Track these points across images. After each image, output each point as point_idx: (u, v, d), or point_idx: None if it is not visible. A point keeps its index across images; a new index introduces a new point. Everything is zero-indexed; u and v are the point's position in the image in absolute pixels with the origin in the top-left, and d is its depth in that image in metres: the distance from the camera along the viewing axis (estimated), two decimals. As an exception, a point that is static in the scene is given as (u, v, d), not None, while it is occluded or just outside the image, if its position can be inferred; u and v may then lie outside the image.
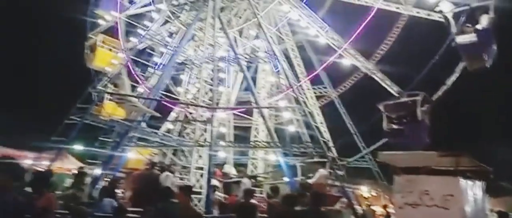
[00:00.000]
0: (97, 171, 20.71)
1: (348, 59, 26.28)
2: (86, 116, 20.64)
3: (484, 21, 19.22)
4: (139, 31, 30.42)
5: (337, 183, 19.10)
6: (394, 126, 20.74)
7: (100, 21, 32.00)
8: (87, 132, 22.73)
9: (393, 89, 24.22)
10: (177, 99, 27.94)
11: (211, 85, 25.10)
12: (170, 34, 29.63)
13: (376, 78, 25.34)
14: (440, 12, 21.67)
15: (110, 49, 31.09)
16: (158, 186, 16.73)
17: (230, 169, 22.57)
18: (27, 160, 23.97)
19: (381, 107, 21.11)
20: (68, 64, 34.14)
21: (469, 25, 20.03)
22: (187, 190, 12.50)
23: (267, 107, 25.45)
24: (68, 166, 23.06)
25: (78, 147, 23.86)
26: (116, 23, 31.34)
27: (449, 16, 20.40)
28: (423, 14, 23.65)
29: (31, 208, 9.50)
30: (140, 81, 27.38)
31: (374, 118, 21.94)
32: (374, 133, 22.62)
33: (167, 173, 17.76)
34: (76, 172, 17.97)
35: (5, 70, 40.17)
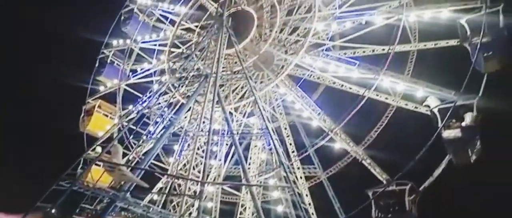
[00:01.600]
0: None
1: (339, 143, 26.86)
2: (74, 183, 20.45)
3: (468, 119, 20.18)
4: (138, 99, 31.35)
5: None
6: (382, 214, 20.74)
7: (101, 88, 33.03)
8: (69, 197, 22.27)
9: (382, 176, 24.44)
10: (167, 170, 27.96)
11: (203, 157, 25.30)
12: (168, 105, 30.44)
13: (365, 164, 25.69)
14: (427, 106, 22.74)
15: (107, 115, 31.73)
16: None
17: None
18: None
19: (370, 194, 21.29)
20: (62, 127, 34.44)
21: (455, 121, 20.97)
22: None
23: (257, 185, 25.40)
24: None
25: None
26: (116, 90, 32.40)
27: (435, 111, 21.42)
28: (411, 106, 24.74)
29: None
30: (132, 149, 27.48)
31: (363, 204, 21.96)
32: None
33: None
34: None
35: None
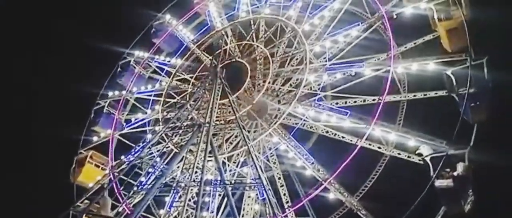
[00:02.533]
0: None
1: (333, 193, 26.57)
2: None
3: (460, 169, 20.25)
4: (131, 150, 31.22)
5: None
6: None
7: (94, 138, 32.96)
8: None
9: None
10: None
11: (194, 209, 24.74)
12: (161, 155, 30.23)
13: (360, 215, 25.29)
14: (420, 155, 22.85)
15: (98, 166, 31.39)
16: None
17: None
18: None
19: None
20: (54, 179, 33.92)
21: (448, 170, 21.00)
22: None
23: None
24: None
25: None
26: (109, 140, 32.32)
27: (428, 160, 21.50)
28: (403, 155, 24.83)
29: None
30: (122, 200, 26.92)
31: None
32: None
33: None
34: None
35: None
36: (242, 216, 28.66)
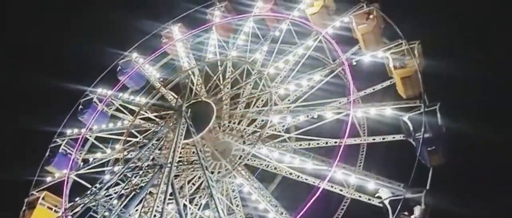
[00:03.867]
0: None
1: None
2: None
3: (417, 212, 20.71)
4: (87, 191, 29.73)
5: None
6: None
7: (48, 179, 31.36)
8: None
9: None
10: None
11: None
12: (119, 197, 28.99)
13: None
14: (379, 198, 23.24)
15: (51, 208, 29.62)
16: None
17: None
18: None
19: None
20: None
21: (406, 213, 21.39)
22: None
23: None
24: None
25: None
26: (64, 181, 30.80)
27: (387, 203, 21.89)
28: (364, 198, 25.13)
29: None
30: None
31: None
32: None
33: None
34: None
35: None
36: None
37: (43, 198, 29.63)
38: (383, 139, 27.93)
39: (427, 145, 24.15)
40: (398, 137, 26.74)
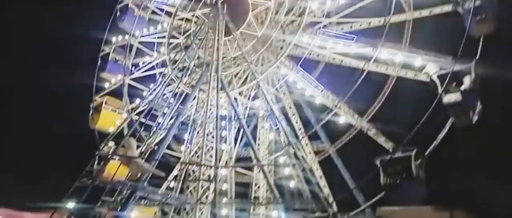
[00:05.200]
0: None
1: (343, 117, 27.66)
2: (95, 179, 21.49)
3: (467, 82, 20.92)
4: (144, 92, 32.03)
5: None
6: (391, 181, 21.62)
7: (106, 84, 33.61)
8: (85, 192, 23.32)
9: (387, 145, 25.31)
10: (180, 158, 28.86)
11: (213, 143, 26.18)
12: (174, 95, 31.04)
13: (371, 135, 26.55)
14: (426, 73, 23.41)
15: (114, 110, 32.42)
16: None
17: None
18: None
19: (377, 163, 22.12)
20: (76, 127, 35.17)
21: (454, 85, 21.72)
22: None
23: (268, 165, 26.31)
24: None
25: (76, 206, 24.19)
26: (121, 86, 33.00)
27: (435, 77, 22.12)
28: (410, 75, 25.36)
29: None
30: (143, 142, 28.25)
31: (372, 173, 22.85)
32: (372, 187, 23.35)
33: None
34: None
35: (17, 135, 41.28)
36: (258, 145, 30.18)
37: (106, 102, 32.31)
38: (430, 12, 26.75)
39: (477, 13, 23.11)
40: (446, 8, 25.59)
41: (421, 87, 25.13)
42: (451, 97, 21.00)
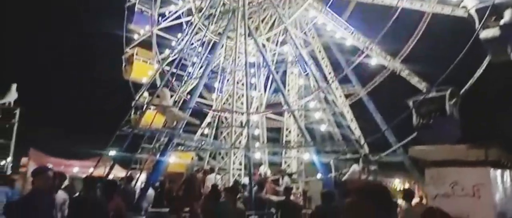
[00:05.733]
0: (143, 177, 22.59)
1: (375, 58, 27.09)
2: (134, 128, 22.61)
3: (507, 16, 19.75)
4: (172, 42, 32.32)
5: (370, 178, 20.03)
6: (424, 121, 21.44)
7: (135, 36, 34.04)
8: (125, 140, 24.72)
9: (421, 85, 24.83)
10: (212, 106, 29.61)
11: (243, 90, 26.58)
12: (202, 44, 31.19)
13: (403, 75, 26.05)
14: (464, 8, 22.21)
15: (146, 61, 33.11)
16: (205, 187, 18.33)
17: (266, 169, 23.88)
18: (75, 167, 26.54)
19: (410, 103, 21.84)
20: (111, 78, 36.37)
21: (494, 19, 20.56)
22: (233, 190, 13.82)
23: (298, 109, 26.58)
24: (116, 173, 24.98)
25: (121, 154, 25.79)
26: (150, 37, 33.34)
27: (473, 12, 20.98)
28: (447, 10, 24.15)
29: (103, 209, 11.22)
30: (176, 91, 29.02)
31: (404, 114, 22.69)
32: (405, 128, 23.33)
33: (212, 175, 19.34)
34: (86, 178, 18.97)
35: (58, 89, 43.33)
36: (288, 90, 30.38)
37: (136, 54, 32.95)
38: None
39: None
40: None
41: (457, 24, 24.00)
42: (489, 33, 19.98)
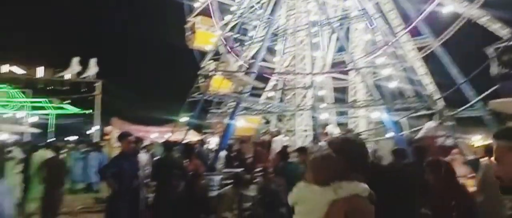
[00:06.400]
0: (215, 140, 23.68)
1: (449, 6, 24.89)
2: (204, 94, 23.57)
3: None
4: (231, 8, 32.40)
5: (446, 134, 19.00)
6: (506, 70, 19.62)
7: (195, 4, 34.57)
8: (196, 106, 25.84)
9: (502, 32, 22.49)
10: (275, 69, 29.62)
11: (306, 50, 26.15)
12: (261, 7, 30.89)
13: (481, 23, 23.72)
14: None
15: (208, 29, 33.66)
16: (272, 149, 18.77)
17: (334, 129, 23.64)
18: (153, 133, 28.51)
19: (490, 51, 20.02)
20: (176, 47, 37.67)
21: None
22: (302, 151, 13.97)
23: (365, 67, 25.60)
24: (191, 137, 26.42)
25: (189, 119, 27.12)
26: (208, 5, 33.66)
27: None
28: None
29: (182, 169, 12.10)
30: (239, 56, 29.40)
31: (484, 64, 20.92)
32: (483, 80, 21.57)
33: (279, 137, 19.68)
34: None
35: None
36: (353, 48, 29.23)
37: (198, 22, 33.55)
38: None
39: None
40: None
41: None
42: None
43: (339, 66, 29.04)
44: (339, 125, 27.28)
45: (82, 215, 14.37)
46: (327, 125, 25.36)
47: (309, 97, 24.82)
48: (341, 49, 28.16)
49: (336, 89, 30.19)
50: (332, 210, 3.44)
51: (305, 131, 25.05)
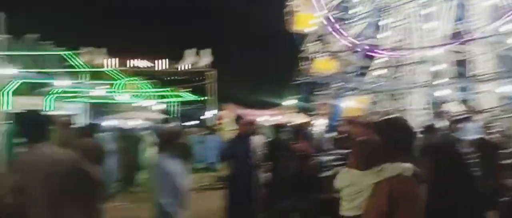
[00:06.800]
0: (321, 121, 23.55)
1: None
2: (308, 76, 23.60)
3: None
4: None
5: None
6: None
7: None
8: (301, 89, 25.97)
9: None
10: (382, 45, 27.95)
11: (415, 24, 24.13)
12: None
13: None
14: None
15: (306, 11, 33.12)
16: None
17: (457, 107, 21.53)
18: (264, 117, 29.65)
19: None
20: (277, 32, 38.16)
21: None
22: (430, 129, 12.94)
23: (487, 37, 22.64)
24: (298, 119, 26.70)
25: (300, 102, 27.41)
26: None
27: None
28: None
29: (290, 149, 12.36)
30: (342, 35, 28.44)
31: None
32: None
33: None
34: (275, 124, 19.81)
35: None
36: (473, 15, 25.89)
37: (297, 5, 33.16)
38: None
39: None
40: None
41: None
42: None
43: (457, 37, 26.08)
44: (463, 101, 24.68)
45: (206, 191, 15.80)
46: (444, 102, 23.30)
47: (423, 73, 22.96)
48: (458, 18, 25.23)
49: (455, 63, 27.11)
50: (376, 192, 3.53)
51: (421, 109, 23.21)
